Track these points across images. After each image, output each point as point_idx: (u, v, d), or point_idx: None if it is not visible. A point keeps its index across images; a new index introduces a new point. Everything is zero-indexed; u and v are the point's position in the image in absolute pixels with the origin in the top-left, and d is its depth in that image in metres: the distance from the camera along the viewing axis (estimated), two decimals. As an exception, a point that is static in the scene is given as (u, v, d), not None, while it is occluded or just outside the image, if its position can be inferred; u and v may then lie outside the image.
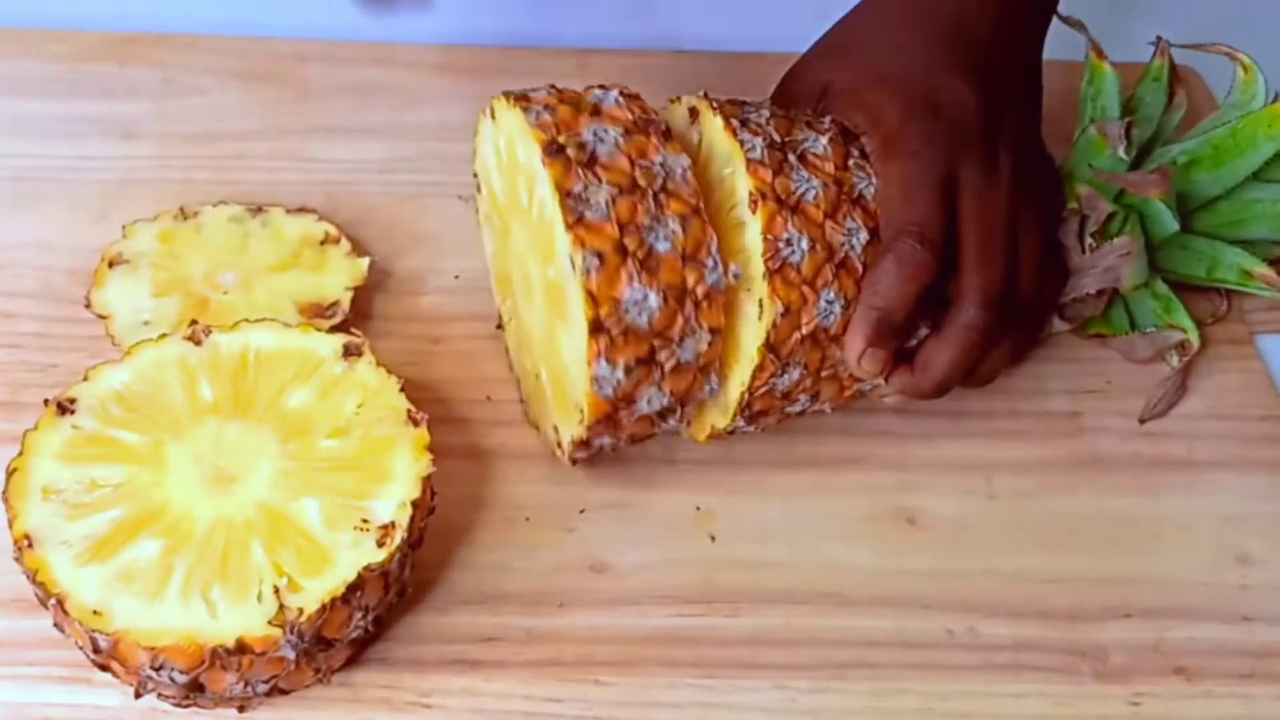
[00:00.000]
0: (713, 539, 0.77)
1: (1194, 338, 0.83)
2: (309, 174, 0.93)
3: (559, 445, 0.75)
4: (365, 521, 0.66)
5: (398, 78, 0.99)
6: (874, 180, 0.72)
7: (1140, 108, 0.86)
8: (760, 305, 0.69)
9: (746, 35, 1.01)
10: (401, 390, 0.71)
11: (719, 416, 0.74)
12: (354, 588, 0.65)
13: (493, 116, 0.73)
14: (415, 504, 0.67)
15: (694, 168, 0.70)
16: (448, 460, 0.75)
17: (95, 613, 0.63)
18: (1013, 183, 0.75)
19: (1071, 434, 0.82)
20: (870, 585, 0.75)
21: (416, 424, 0.70)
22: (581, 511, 0.77)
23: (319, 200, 0.89)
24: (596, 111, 0.70)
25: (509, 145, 0.72)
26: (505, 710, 0.70)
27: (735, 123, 0.71)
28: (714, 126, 0.71)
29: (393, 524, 0.66)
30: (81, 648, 0.65)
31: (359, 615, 0.66)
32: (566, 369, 0.71)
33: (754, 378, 0.70)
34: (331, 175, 0.93)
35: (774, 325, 0.69)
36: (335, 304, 0.81)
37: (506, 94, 0.71)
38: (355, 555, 0.65)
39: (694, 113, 0.73)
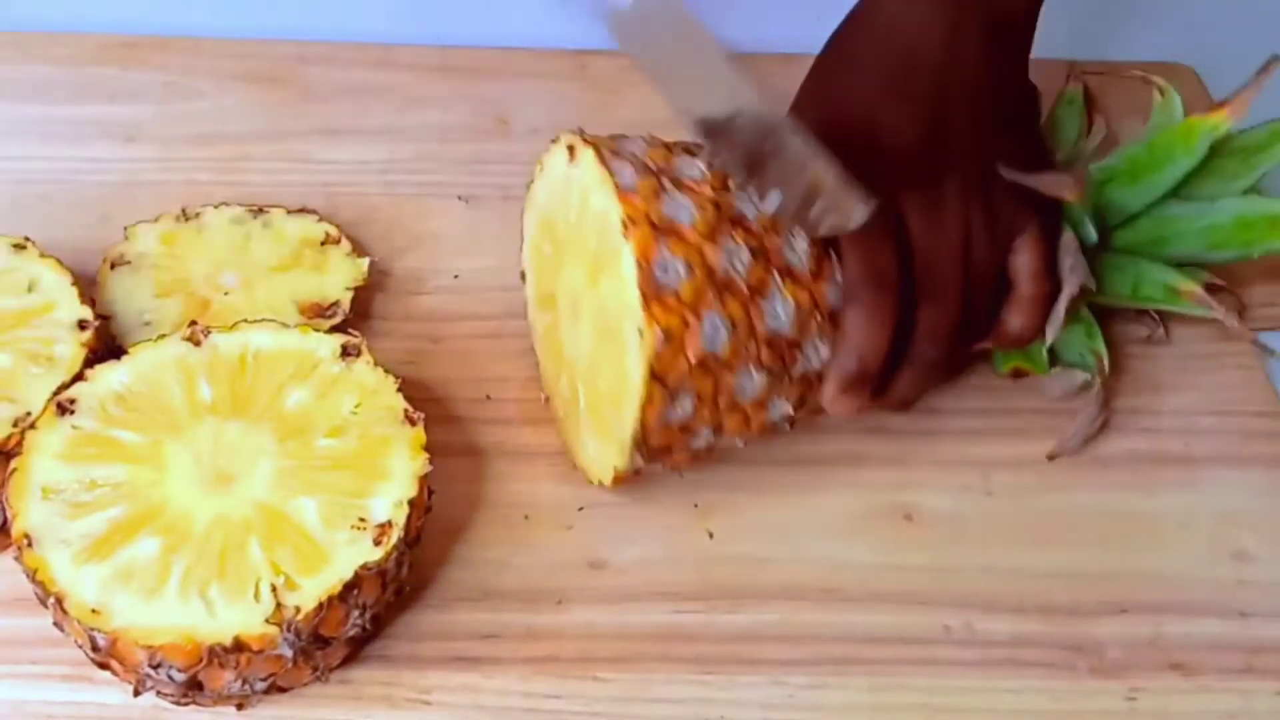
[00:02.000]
0: (711, 536, 0.77)
1: (1104, 355, 0.82)
2: (310, 175, 0.93)
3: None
4: (362, 520, 0.67)
5: (398, 79, 1.00)
6: (756, 201, 0.71)
7: (1059, 129, 0.86)
8: (640, 333, 0.68)
9: (744, 37, 1.01)
10: (399, 390, 0.72)
11: (618, 456, 0.72)
12: (351, 586, 0.65)
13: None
14: (412, 503, 0.68)
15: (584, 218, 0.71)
16: (447, 459, 0.75)
17: (94, 611, 0.63)
18: (962, 208, 0.75)
19: (1068, 432, 0.82)
20: (868, 582, 0.75)
21: (413, 423, 0.70)
22: (580, 509, 0.77)
23: (320, 201, 0.89)
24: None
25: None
26: (505, 706, 0.70)
27: (606, 152, 0.70)
28: (587, 158, 0.71)
29: (389, 523, 0.67)
30: (81, 646, 0.66)
31: (356, 614, 0.66)
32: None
33: (643, 410, 0.69)
34: (332, 176, 0.93)
35: (656, 353, 0.68)
36: (336, 304, 0.82)
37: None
38: (352, 554, 0.66)
39: (572, 151, 0.72)
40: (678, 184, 0.70)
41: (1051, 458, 0.81)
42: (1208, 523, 0.79)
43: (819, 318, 0.72)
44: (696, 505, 0.78)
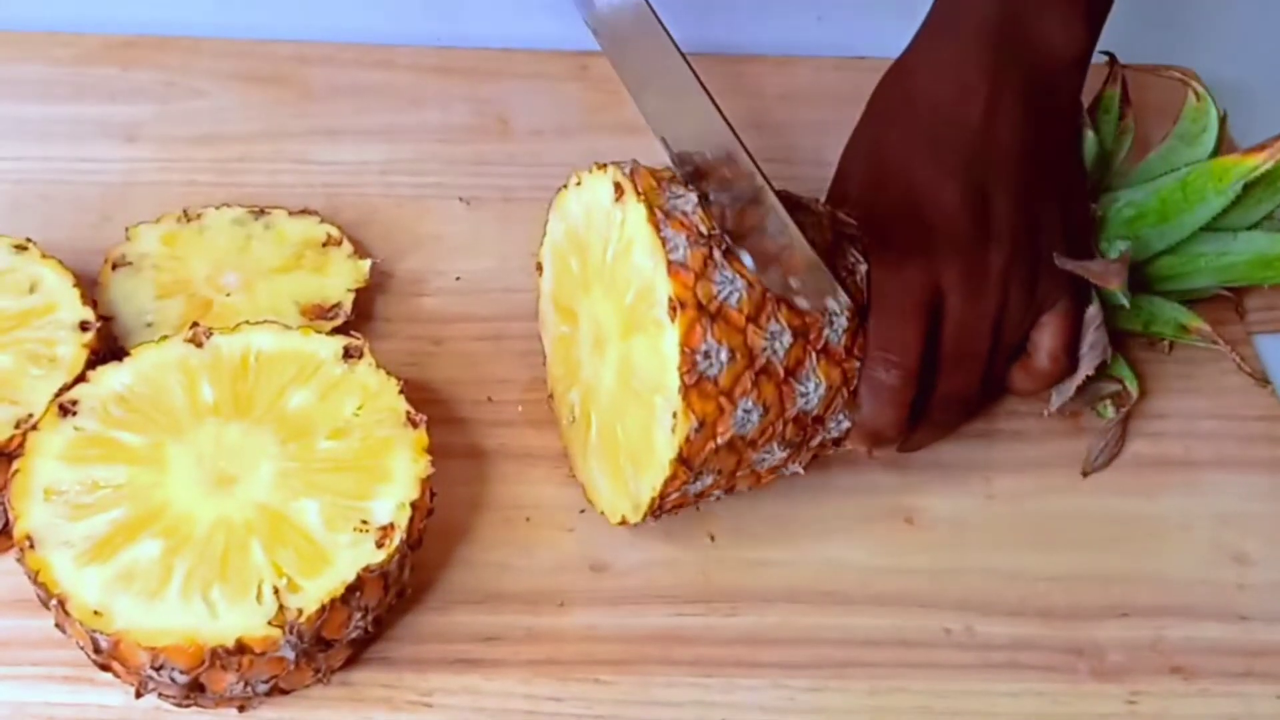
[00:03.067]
0: (712, 538, 0.77)
1: (1132, 387, 0.82)
2: (311, 176, 0.93)
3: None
4: (364, 522, 0.67)
5: (398, 79, 1.00)
6: (741, 256, 0.70)
7: (1095, 146, 0.85)
8: (674, 417, 0.67)
9: (745, 37, 1.01)
10: (401, 392, 0.72)
11: (630, 511, 0.72)
12: (353, 588, 0.65)
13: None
14: (414, 505, 0.68)
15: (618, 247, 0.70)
16: (449, 460, 0.75)
17: (96, 613, 0.63)
18: (1001, 283, 0.74)
19: (1069, 434, 0.82)
20: (868, 584, 0.76)
21: (415, 425, 0.70)
22: (581, 511, 0.77)
23: (321, 202, 0.89)
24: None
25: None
26: (506, 709, 0.70)
27: (660, 214, 0.68)
28: (637, 215, 0.69)
29: (391, 525, 0.67)
30: (83, 648, 0.66)
31: (358, 616, 0.66)
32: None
33: (665, 485, 0.69)
34: (333, 177, 0.93)
35: (688, 440, 0.67)
36: (337, 305, 0.82)
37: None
38: (354, 556, 0.66)
39: (619, 189, 0.70)
40: (728, 255, 0.68)
41: (1085, 474, 0.81)
42: (1208, 526, 0.79)
43: (845, 394, 0.72)
44: (697, 508, 0.78)
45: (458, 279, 0.88)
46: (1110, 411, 0.82)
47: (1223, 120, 0.81)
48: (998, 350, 0.76)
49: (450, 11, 1.04)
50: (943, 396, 0.75)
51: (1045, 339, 0.77)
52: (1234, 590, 0.76)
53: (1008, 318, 0.75)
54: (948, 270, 0.73)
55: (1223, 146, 0.82)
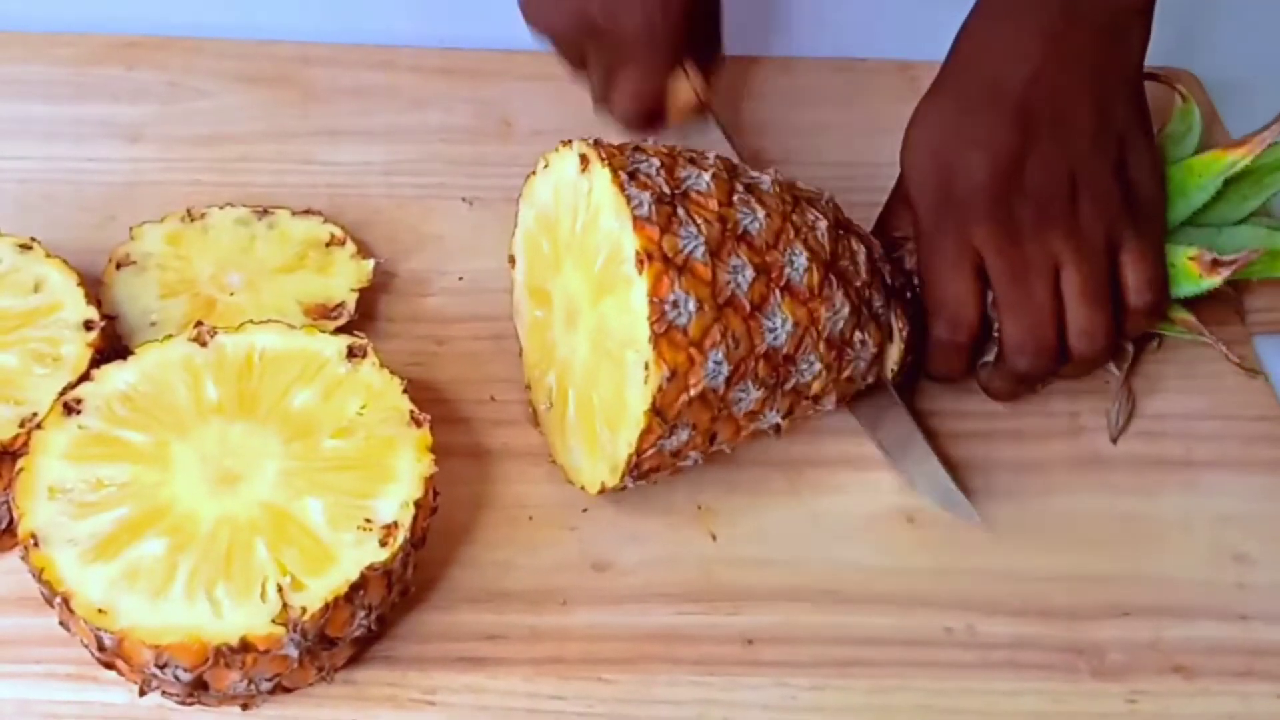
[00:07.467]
0: (714, 537, 0.77)
1: (1122, 362, 0.82)
2: (314, 176, 0.93)
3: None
4: (368, 521, 0.67)
5: (401, 80, 1.00)
6: (759, 216, 0.72)
7: None
8: (646, 368, 0.68)
9: (746, 38, 1.01)
10: (404, 391, 0.72)
11: (609, 475, 0.73)
12: (357, 587, 0.65)
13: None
14: (418, 504, 0.68)
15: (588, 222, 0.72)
16: (452, 459, 0.75)
17: (100, 611, 0.63)
18: (1035, 231, 0.76)
19: (1070, 433, 0.82)
20: (870, 584, 0.76)
21: (419, 424, 0.70)
22: (584, 510, 0.77)
23: (324, 202, 0.90)
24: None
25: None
26: (508, 707, 0.70)
27: (624, 175, 0.70)
28: (603, 179, 0.71)
29: (395, 523, 0.67)
30: (87, 646, 0.66)
31: (362, 614, 0.66)
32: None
33: (641, 440, 0.70)
34: (336, 177, 0.93)
35: (660, 389, 0.69)
36: (340, 305, 0.82)
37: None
38: (358, 554, 0.66)
39: (584, 160, 0.72)
40: (687, 198, 0.71)
41: (1115, 440, 0.82)
42: (1208, 526, 0.79)
43: (814, 334, 0.73)
44: (700, 507, 0.78)
45: (460, 279, 0.88)
46: (1114, 369, 0.82)
47: (1211, 120, 0.82)
48: (1062, 294, 0.77)
49: (453, 13, 1.04)
50: (1009, 344, 0.77)
51: (1129, 277, 0.77)
52: (1234, 590, 0.76)
53: (1061, 257, 0.76)
54: (978, 230, 0.76)
55: (1212, 145, 0.82)
